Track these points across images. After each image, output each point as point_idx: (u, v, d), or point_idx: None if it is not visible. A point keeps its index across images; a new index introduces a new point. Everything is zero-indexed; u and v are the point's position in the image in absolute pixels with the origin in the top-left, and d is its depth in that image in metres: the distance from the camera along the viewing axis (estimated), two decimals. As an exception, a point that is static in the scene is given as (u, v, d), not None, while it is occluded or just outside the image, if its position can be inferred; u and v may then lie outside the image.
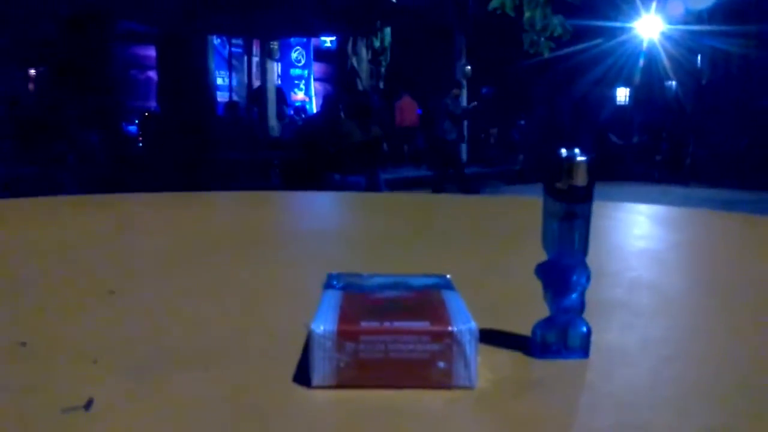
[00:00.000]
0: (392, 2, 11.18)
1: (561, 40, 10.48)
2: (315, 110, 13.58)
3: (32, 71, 12.07)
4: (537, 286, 0.56)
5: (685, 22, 11.21)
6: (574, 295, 0.55)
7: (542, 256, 0.55)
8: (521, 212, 1.55)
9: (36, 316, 0.68)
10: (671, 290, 0.86)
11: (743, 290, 0.84)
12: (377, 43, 13.33)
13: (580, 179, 0.52)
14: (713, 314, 0.73)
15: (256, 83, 13.27)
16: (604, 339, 0.59)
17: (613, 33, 11.60)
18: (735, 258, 1.05)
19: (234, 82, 13.85)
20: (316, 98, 14.69)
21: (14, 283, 0.83)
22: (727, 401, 0.49)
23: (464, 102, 11.14)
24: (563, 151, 0.52)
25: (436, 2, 12.58)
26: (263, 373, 0.52)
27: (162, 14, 9.48)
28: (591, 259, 0.55)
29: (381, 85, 13.73)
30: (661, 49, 11.71)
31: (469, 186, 8.63)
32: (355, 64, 13.32)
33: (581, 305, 0.55)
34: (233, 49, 13.72)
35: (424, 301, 0.55)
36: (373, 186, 6.96)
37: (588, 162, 0.52)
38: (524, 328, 0.57)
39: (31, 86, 12.11)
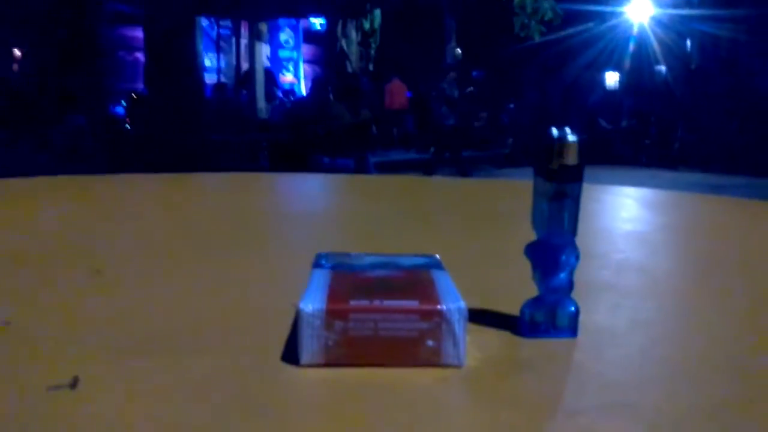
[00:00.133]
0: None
1: (551, 24, 10.47)
2: (304, 92, 13.49)
3: (17, 52, 11.92)
4: (526, 266, 0.56)
5: (675, 6, 11.22)
6: (562, 275, 0.55)
7: (531, 238, 0.55)
8: (511, 195, 1.55)
9: (21, 295, 0.68)
10: (659, 272, 0.86)
11: (731, 272, 0.84)
12: (367, 25, 13.23)
13: (571, 159, 0.52)
14: (700, 296, 0.73)
15: (245, 65, 13.15)
16: (593, 319, 0.59)
17: (603, 17, 11.59)
18: (722, 240, 1.06)
19: (222, 64, 13.72)
20: (305, 80, 14.57)
21: (-1, 262, 0.82)
22: (714, 381, 0.49)
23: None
24: (554, 131, 0.52)
25: (426, -16, 12.53)
26: (252, 352, 0.52)
27: (149, -6, 9.36)
28: (579, 241, 0.55)
29: (370, 67, 13.65)
30: (650, 34, 11.71)
31: (466, 169, 8.63)
32: (345, 46, 13.23)
33: (570, 285, 0.55)
34: (221, 30, 13.57)
35: (414, 280, 0.55)
36: (362, 168, 6.96)
37: (579, 142, 0.52)
38: (513, 308, 0.57)
39: (15, 67, 11.96)
